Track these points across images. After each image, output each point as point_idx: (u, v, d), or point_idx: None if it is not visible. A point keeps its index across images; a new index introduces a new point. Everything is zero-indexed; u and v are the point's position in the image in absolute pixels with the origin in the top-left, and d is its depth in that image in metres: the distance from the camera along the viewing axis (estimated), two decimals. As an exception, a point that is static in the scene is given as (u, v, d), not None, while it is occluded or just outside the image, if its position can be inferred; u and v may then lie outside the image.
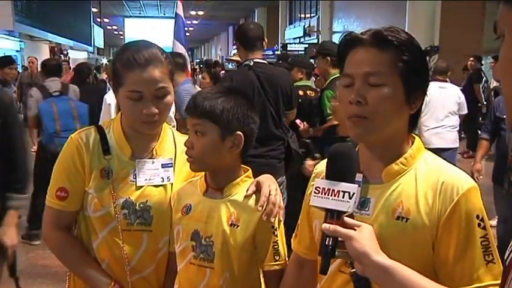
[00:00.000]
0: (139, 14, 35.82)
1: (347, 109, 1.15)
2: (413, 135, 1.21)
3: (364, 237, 1.01)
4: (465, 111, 5.31)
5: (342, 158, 1.10)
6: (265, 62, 3.56)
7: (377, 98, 1.10)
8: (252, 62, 3.37)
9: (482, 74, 9.38)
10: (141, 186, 1.54)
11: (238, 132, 1.44)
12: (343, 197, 1.05)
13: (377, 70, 1.11)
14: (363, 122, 1.12)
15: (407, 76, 1.11)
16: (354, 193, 1.05)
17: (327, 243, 1.03)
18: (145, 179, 1.55)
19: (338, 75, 4.16)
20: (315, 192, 1.08)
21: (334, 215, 1.05)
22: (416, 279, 1.01)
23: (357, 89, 1.12)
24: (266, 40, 3.56)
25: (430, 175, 1.13)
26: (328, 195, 1.06)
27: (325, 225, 1.04)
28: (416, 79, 1.13)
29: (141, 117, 1.48)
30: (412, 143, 1.19)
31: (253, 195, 1.45)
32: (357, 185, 1.07)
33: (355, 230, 1.03)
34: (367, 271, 1.01)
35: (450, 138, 5.06)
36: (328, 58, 4.12)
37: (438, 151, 5.85)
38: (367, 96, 1.11)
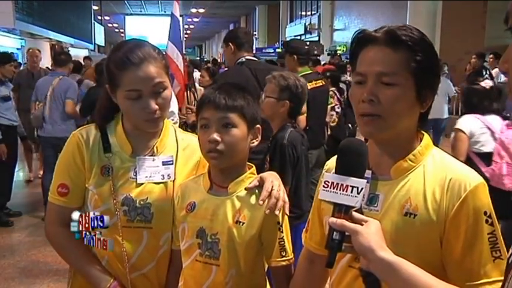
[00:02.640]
0: (140, 11, 35.79)
1: (358, 107, 1.15)
2: (423, 132, 1.22)
3: (370, 233, 1.01)
4: (452, 93, 8.55)
5: (351, 152, 1.09)
6: (256, 59, 3.72)
7: (390, 97, 1.11)
8: (244, 59, 3.53)
9: (484, 72, 9.34)
10: (142, 184, 1.54)
11: (258, 126, 1.49)
12: (351, 192, 1.05)
13: (390, 70, 1.11)
14: (375, 120, 1.12)
15: (420, 76, 1.12)
16: (362, 188, 1.05)
17: (334, 237, 1.03)
18: (146, 176, 1.54)
19: (306, 72, 4.26)
20: (323, 186, 1.08)
21: (342, 210, 1.05)
22: (421, 276, 1.01)
23: (369, 88, 1.12)
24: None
25: (438, 172, 1.14)
26: (336, 189, 1.06)
27: (332, 219, 1.04)
28: (427, 78, 1.14)
29: (142, 116, 1.47)
30: (421, 140, 1.19)
31: (258, 193, 1.45)
32: (365, 180, 1.07)
33: (362, 225, 1.03)
34: (372, 266, 1.01)
35: (442, 111, 7.99)
36: (295, 56, 4.24)
37: (433, 120, 7.64)
38: (379, 95, 1.11)
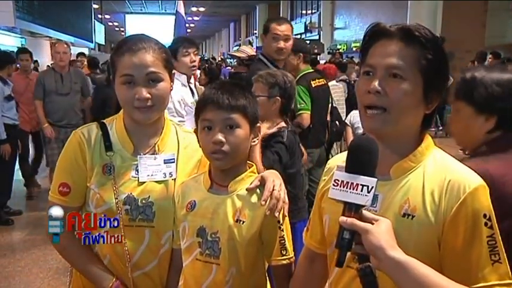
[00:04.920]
0: (141, 10, 35.80)
1: (363, 98, 1.15)
2: (426, 133, 1.21)
3: (380, 232, 1.01)
4: None
5: (362, 151, 1.08)
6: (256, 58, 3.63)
7: (397, 91, 1.11)
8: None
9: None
10: (143, 182, 1.54)
11: (259, 124, 1.49)
12: (361, 191, 1.04)
13: (401, 64, 1.12)
14: (380, 114, 1.13)
15: (428, 74, 1.12)
16: (373, 187, 1.04)
17: (344, 236, 1.02)
18: (148, 175, 1.54)
19: (308, 71, 4.22)
20: (333, 185, 1.08)
21: (352, 208, 1.04)
22: (433, 277, 1.00)
23: (378, 80, 1.12)
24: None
25: (437, 173, 1.13)
26: (346, 188, 1.05)
27: (343, 218, 1.03)
28: (436, 79, 1.14)
29: (133, 103, 1.49)
30: (422, 142, 1.19)
31: (259, 192, 1.45)
32: (376, 179, 1.05)
33: (372, 224, 1.03)
34: (382, 266, 1.00)
35: None
36: (301, 54, 4.20)
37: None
38: (387, 88, 1.12)
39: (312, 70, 4.41)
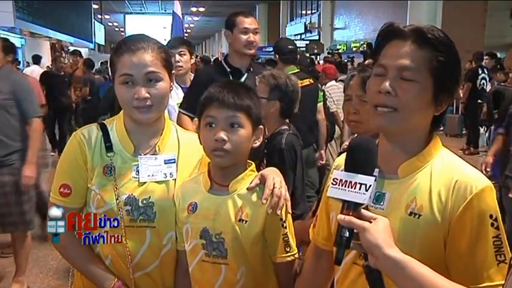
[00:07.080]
0: (140, 10, 35.79)
1: (374, 97, 1.16)
2: (434, 134, 1.22)
3: (378, 230, 1.02)
4: None
5: (361, 150, 1.10)
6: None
7: (407, 92, 1.12)
8: None
9: (480, 71, 9.31)
10: (144, 183, 1.54)
11: (261, 126, 1.50)
12: (359, 189, 1.06)
13: (412, 65, 1.12)
14: (389, 113, 1.13)
15: (440, 76, 1.13)
16: (370, 185, 1.06)
17: (342, 234, 1.04)
18: (148, 175, 1.54)
19: (292, 71, 4.14)
20: (332, 184, 1.09)
21: (350, 207, 1.06)
22: (429, 276, 1.01)
23: (389, 80, 1.13)
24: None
25: (444, 173, 1.14)
26: (345, 186, 1.07)
27: (341, 216, 1.05)
28: (447, 81, 1.15)
29: (133, 102, 1.49)
30: (431, 142, 1.20)
31: (259, 190, 1.45)
32: (374, 178, 1.07)
33: (371, 222, 1.04)
34: (379, 263, 1.01)
35: None
36: (277, 56, 4.16)
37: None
38: (397, 88, 1.12)
39: (298, 70, 4.36)
